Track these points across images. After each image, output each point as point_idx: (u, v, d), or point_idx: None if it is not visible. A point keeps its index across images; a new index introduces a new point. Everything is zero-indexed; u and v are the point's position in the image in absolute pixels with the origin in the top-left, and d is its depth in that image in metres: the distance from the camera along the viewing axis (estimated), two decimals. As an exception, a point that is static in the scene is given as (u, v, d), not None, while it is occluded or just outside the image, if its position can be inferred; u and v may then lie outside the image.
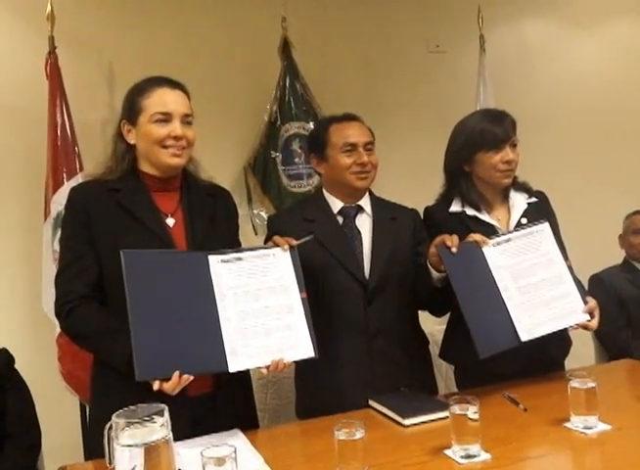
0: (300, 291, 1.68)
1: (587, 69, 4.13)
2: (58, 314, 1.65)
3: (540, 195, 2.10)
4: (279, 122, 3.22)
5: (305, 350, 1.62)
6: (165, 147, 1.67)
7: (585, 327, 1.85)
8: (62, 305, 1.63)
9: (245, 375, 1.78)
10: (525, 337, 1.79)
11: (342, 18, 3.56)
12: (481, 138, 1.97)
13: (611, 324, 2.85)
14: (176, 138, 1.67)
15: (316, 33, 3.46)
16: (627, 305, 2.88)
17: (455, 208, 2.05)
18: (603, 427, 1.52)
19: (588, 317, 1.84)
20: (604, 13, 4.17)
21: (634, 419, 1.59)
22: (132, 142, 1.71)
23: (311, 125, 3.19)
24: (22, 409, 2.03)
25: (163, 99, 1.68)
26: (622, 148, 4.07)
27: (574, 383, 1.54)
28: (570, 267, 1.90)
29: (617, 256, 3.13)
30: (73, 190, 1.74)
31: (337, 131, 2.00)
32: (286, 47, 3.23)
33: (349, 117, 2.04)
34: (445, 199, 2.09)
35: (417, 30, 3.72)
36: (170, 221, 1.71)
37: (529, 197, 2.06)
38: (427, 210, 2.13)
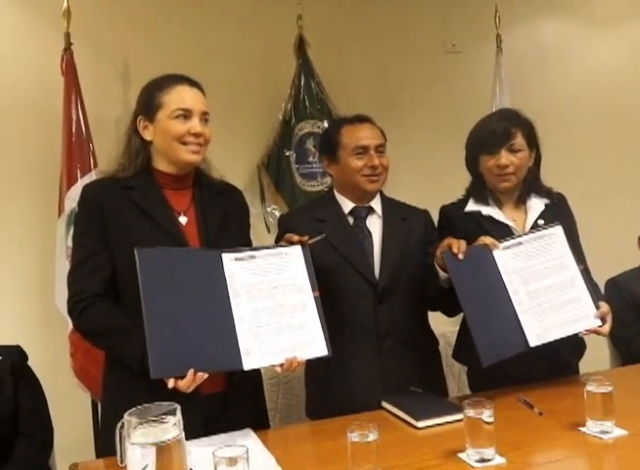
0: (313, 290, 1.67)
1: (604, 69, 4.09)
2: (71, 312, 1.65)
3: (558, 196, 2.08)
4: (293, 121, 3.21)
5: (319, 348, 1.61)
6: (185, 143, 1.67)
7: (597, 333, 1.82)
8: (75, 302, 1.62)
9: (256, 374, 1.78)
10: (533, 342, 1.77)
11: (358, 16, 3.54)
12: (480, 141, 2.00)
13: (626, 329, 2.81)
14: (196, 135, 1.67)
15: (332, 32, 3.46)
16: (644, 310, 2.84)
17: (470, 207, 2.04)
18: (619, 432, 1.50)
19: (600, 323, 1.81)
20: (620, 14, 4.14)
21: (652, 425, 1.57)
22: (149, 138, 1.70)
23: (325, 124, 3.18)
24: (34, 406, 2.03)
25: (184, 96, 1.68)
26: (637, 149, 4.03)
27: (591, 387, 1.52)
28: (583, 271, 1.87)
29: (636, 258, 3.09)
30: (87, 187, 1.73)
31: (348, 133, 1.99)
32: (301, 45, 3.22)
33: (361, 119, 2.03)
34: (465, 198, 2.10)
35: (433, 30, 3.71)
36: (183, 219, 1.70)
37: (548, 199, 2.05)
38: (443, 208, 2.13)
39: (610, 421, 1.50)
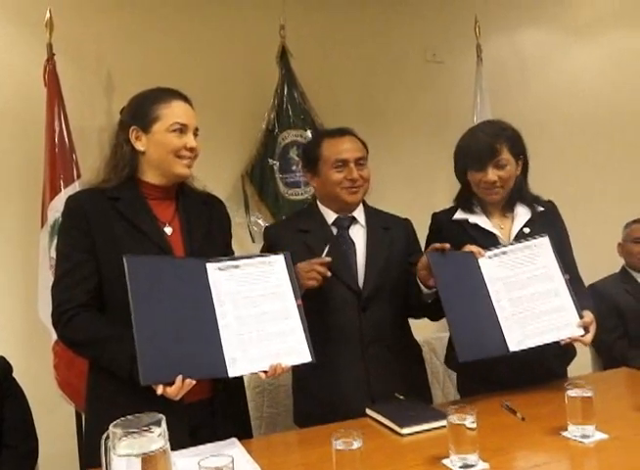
0: (296, 298, 1.69)
1: (583, 77, 4.15)
2: (56, 323, 1.63)
3: (548, 204, 2.10)
4: (277, 130, 3.23)
5: (302, 355, 1.63)
6: (180, 157, 1.69)
7: (578, 341, 1.84)
8: (60, 313, 1.61)
9: (239, 381, 1.80)
10: (513, 347, 1.80)
11: (341, 26, 3.57)
12: (467, 157, 2.01)
13: (607, 334, 2.86)
14: (191, 149, 1.70)
15: (314, 42, 3.48)
16: (625, 316, 2.89)
17: (459, 215, 2.07)
18: (600, 436, 1.52)
19: (582, 332, 1.82)
20: (599, 22, 4.20)
21: (631, 428, 1.59)
22: (141, 149, 1.70)
23: (309, 134, 3.20)
24: (19, 418, 2.02)
25: (180, 111, 1.70)
26: (620, 156, 4.09)
27: (572, 392, 1.54)
28: (568, 281, 1.88)
29: (616, 263, 3.14)
30: (72, 198, 1.73)
31: (328, 146, 2.02)
32: (284, 55, 3.24)
33: (342, 132, 2.05)
34: (454, 206, 2.12)
35: (415, 40, 3.74)
36: (168, 230, 1.71)
37: (536, 207, 2.07)
38: (433, 215, 2.16)
39: (590, 425, 1.53)
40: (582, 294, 1.95)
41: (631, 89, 4.18)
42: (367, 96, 3.62)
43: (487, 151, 1.96)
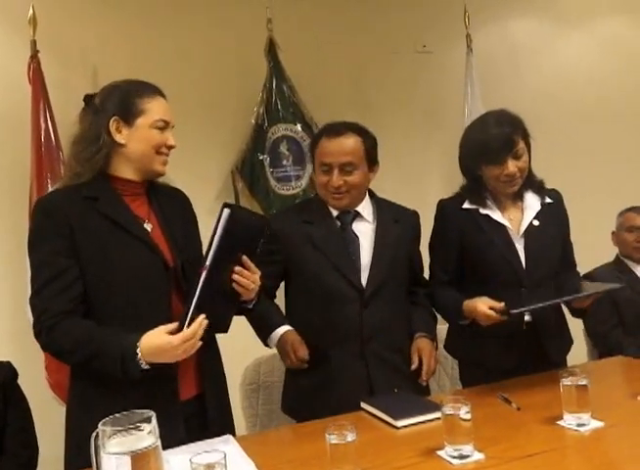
0: (202, 264, 1.52)
1: (575, 67, 4.14)
2: (38, 334, 1.55)
3: (553, 194, 2.11)
4: (266, 125, 3.20)
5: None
6: (159, 154, 1.66)
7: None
8: (42, 322, 1.54)
9: (223, 379, 1.79)
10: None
11: (329, 19, 3.55)
12: (482, 153, 1.96)
13: (603, 324, 2.87)
14: (170, 147, 1.68)
15: (302, 34, 3.45)
16: (619, 305, 2.89)
17: (468, 204, 2.05)
18: (596, 424, 1.52)
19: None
20: (590, 11, 4.19)
21: (627, 416, 1.59)
22: (122, 142, 1.63)
23: (299, 127, 3.19)
24: (21, 426, 1.98)
25: (163, 108, 1.68)
26: (612, 145, 4.09)
27: (566, 380, 1.54)
28: None
29: (610, 252, 3.13)
30: (46, 201, 1.65)
31: (320, 146, 2.00)
32: (272, 48, 3.22)
33: (338, 132, 1.98)
34: (461, 195, 2.09)
35: (404, 31, 3.72)
36: (148, 227, 1.67)
37: (544, 198, 2.06)
38: (440, 203, 2.14)
39: (586, 413, 1.52)
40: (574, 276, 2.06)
41: (623, 77, 4.18)
42: (357, 88, 3.60)
43: (506, 144, 1.93)
